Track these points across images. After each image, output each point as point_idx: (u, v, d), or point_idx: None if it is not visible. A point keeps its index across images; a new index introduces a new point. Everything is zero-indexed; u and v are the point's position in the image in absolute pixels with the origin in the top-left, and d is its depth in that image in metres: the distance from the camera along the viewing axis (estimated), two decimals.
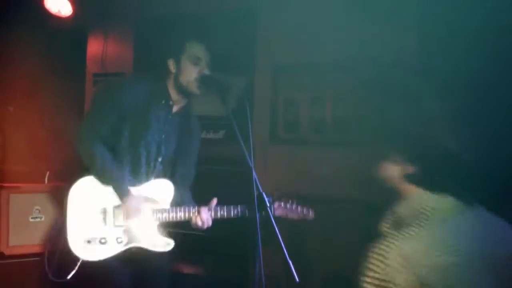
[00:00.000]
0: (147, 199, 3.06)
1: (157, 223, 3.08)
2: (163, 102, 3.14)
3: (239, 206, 3.00)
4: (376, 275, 1.25)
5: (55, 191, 4.28)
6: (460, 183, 1.38)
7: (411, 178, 1.40)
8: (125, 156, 3.08)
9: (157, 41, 4.66)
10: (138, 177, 3.13)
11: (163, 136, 3.18)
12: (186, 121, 3.29)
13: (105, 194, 3.01)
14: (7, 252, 4.00)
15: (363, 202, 3.93)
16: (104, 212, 3.01)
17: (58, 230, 2.95)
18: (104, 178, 3.01)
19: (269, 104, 4.51)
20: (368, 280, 1.26)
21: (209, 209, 3.07)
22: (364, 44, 4.07)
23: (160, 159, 3.19)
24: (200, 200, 3.18)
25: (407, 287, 1.21)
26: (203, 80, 3.07)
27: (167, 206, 3.12)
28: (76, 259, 2.90)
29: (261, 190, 2.71)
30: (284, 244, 2.51)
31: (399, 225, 1.38)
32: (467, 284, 1.21)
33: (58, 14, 4.83)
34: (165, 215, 3.05)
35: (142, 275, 3.13)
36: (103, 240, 2.96)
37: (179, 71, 3.10)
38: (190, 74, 3.07)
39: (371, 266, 1.27)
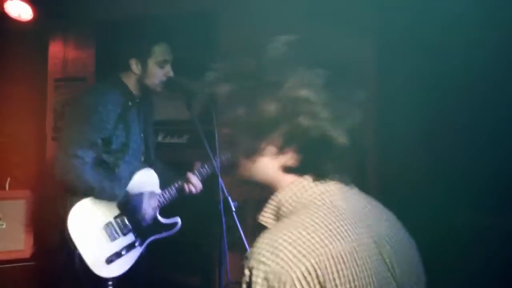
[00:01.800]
0: (144, 197, 3.08)
1: (158, 210, 3.14)
2: (130, 104, 3.13)
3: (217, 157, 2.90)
4: (267, 268, 1.13)
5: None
6: (339, 166, 1.34)
7: (291, 169, 1.33)
8: (113, 169, 3.06)
9: (119, 44, 4.63)
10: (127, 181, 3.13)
11: (142, 135, 3.21)
12: (149, 106, 3.35)
13: (100, 210, 3.01)
14: None
15: None
16: (108, 226, 3.02)
17: (79, 264, 2.92)
18: (105, 198, 3.00)
19: None
20: (260, 274, 1.13)
21: (195, 174, 3.16)
22: (321, 48, 4.11)
23: (143, 159, 3.23)
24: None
25: (304, 277, 1.11)
26: (169, 84, 3.07)
27: (158, 190, 3.19)
28: (107, 280, 2.93)
29: (227, 195, 2.72)
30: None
31: (282, 216, 1.31)
32: (360, 266, 1.18)
33: (18, 19, 4.76)
34: (162, 199, 3.13)
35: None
36: (123, 253, 3.01)
37: (144, 73, 3.08)
38: (157, 77, 3.07)
39: (260, 259, 1.14)
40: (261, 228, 1.29)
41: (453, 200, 3.41)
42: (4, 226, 4.13)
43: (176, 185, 3.17)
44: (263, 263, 1.13)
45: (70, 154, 2.89)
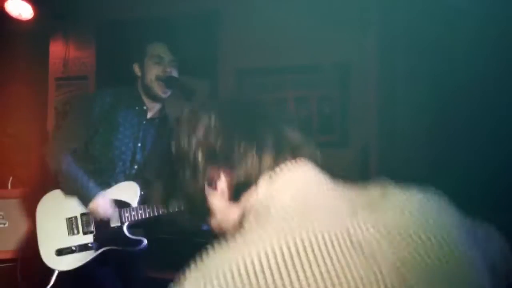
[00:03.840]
0: (113, 202, 3.04)
1: (127, 223, 3.07)
2: (137, 108, 3.14)
3: None
4: None
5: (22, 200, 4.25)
6: None
7: None
8: (99, 167, 3.07)
9: (119, 43, 4.65)
10: (110, 185, 3.10)
11: (139, 144, 3.16)
12: (163, 125, 3.25)
13: (72, 203, 3.01)
14: None
15: None
16: (72, 221, 3.01)
17: (29, 244, 2.96)
18: (68, 187, 3.01)
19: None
20: None
21: None
22: (324, 46, 4.14)
23: (136, 167, 3.17)
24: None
25: None
26: (167, 81, 3.07)
27: (135, 204, 3.10)
28: (51, 271, 2.91)
29: None
30: None
31: None
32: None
33: (18, 18, 4.77)
34: (134, 213, 3.05)
35: (119, 278, 3.14)
36: (73, 248, 2.97)
37: (143, 73, 3.10)
38: (152, 73, 3.06)
39: None
40: None
41: (456, 197, 3.42)
42: (6, 225, 4.14)
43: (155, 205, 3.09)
44: None
45: (58, 140, 3.16)
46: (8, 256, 4.07)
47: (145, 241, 3.09)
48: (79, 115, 3.14)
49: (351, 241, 0.97)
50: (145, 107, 3.16)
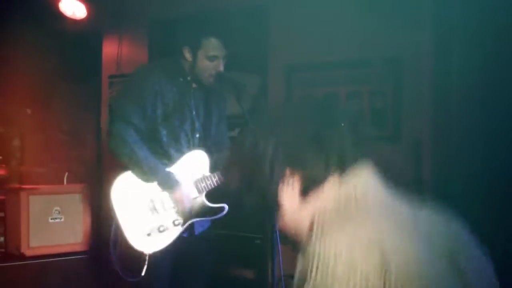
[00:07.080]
0: (186, 173, 3.08)
1: (204, 192, 3.10)
2: (181, 79, 3.17)
3: None
4: None
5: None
6: None
7: None
8: (167, 141, 3.10)
9: (171, 40, 4.69)
10: (180, 156, 3.14)
11: (194, 112, 3.20)
12: (209, 94, 3.28)
13: (146, 183, 3.03)
14: (27, 253, 4.04)
15: None
16: (152, 200, 3.01)
17: (115, 233, 2.97)
18: (139, 167, 3.01)
19: (283, 102, 4.52)
20: None
21: None
22: (376, 40, 4.09)
23: (197, 135, 3.21)
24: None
25: None
26: (218, 78, 3.09)
27: (207, 172, 3.13)
28: (143, 254, 2.92)
29: None
30: None
31: None
32: None
33: (72, 17, 4.88)
34: (209, 182, 3.08)
35: (183, 263, 3.17)
36: (161, 228, 2.98)
37: (195, 63, 3.11)
38: (206, 70, 3.09)
39: None
40: None
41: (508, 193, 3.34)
42: (62, 219, 4.23)
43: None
44: None
45: (116, 118, 3.06)
46: (64, 249, 4.18)
47: (226, 207, 3.11)
48: (131, 93, 3.15)
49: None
50: (189, 78, 3.19)
